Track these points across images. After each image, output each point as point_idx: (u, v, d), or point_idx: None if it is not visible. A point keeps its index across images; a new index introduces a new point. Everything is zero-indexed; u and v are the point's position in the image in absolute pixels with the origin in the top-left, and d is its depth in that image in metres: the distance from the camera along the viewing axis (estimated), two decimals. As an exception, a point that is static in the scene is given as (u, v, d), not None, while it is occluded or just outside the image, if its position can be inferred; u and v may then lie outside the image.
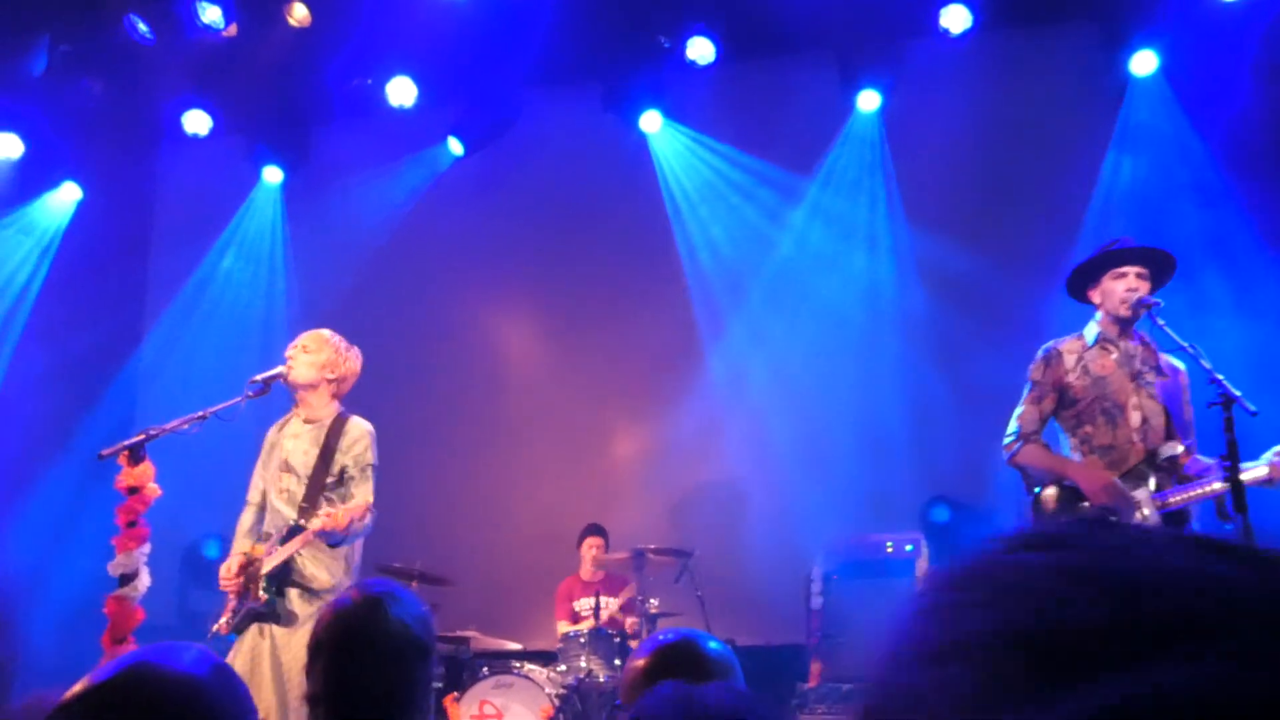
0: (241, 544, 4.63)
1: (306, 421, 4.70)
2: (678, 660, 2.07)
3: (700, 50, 7.32)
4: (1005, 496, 5.81)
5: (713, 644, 2.16)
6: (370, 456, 4.63)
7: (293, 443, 4.66)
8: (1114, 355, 4.37)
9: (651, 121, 7.77)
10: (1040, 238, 6.92)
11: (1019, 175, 7.18)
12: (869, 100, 7.43)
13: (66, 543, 6.79)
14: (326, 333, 4.82)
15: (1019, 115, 7.23)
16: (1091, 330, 4.44)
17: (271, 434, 4.81)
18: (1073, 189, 7.04)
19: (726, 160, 7.84)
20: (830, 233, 7.59)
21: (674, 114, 7.85)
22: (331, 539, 4.37)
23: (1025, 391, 4.46)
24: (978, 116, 7.23)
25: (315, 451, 4.60)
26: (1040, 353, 4.47)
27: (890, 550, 6.35)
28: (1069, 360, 4.39)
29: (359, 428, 4.68)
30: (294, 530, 4.46)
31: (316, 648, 2.25)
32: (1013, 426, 4.43)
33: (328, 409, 4.72)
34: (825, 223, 7.60)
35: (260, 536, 4.61)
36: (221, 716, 1.58)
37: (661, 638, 2.20)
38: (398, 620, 2.22)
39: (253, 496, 4.77)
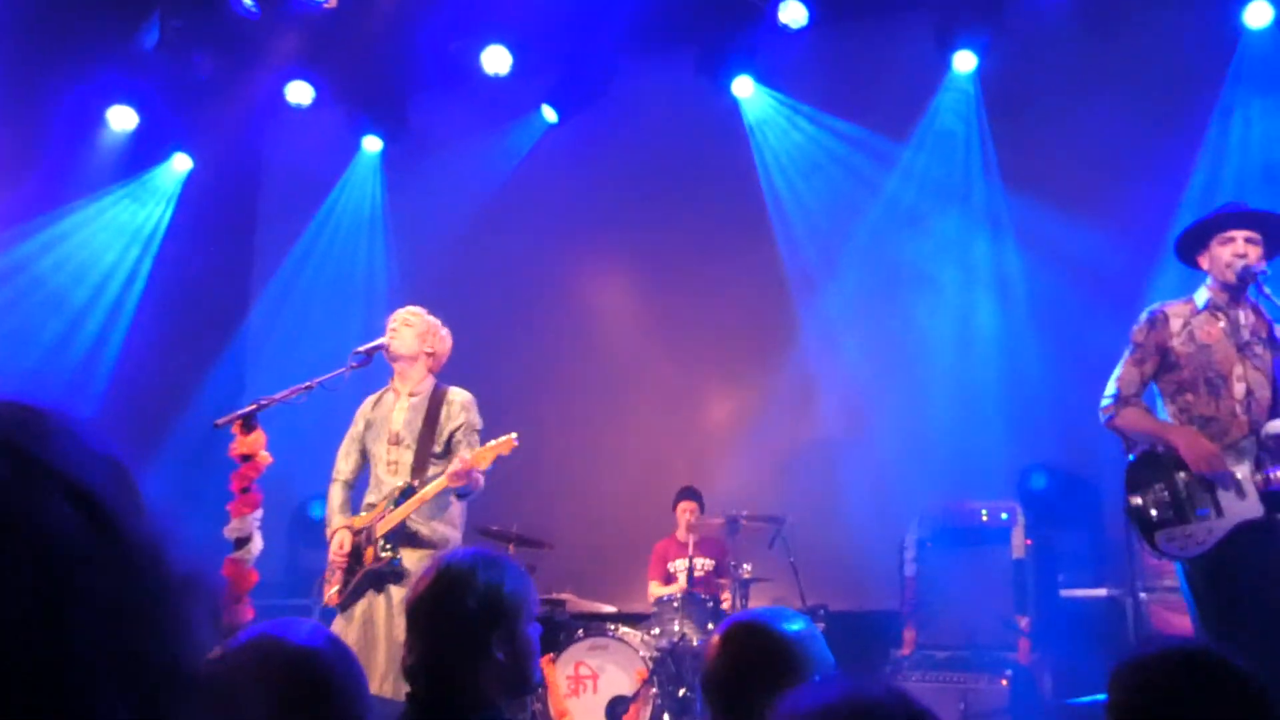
0: (339, 519, 4.80)
1: (410, 395, 4.86)
2: (751, 646, 2.10)
3: (793, 14, 7.22)
4: (1106, 463, 5.71)
5: (793, 625, 2.16)
6: (477, 421, 4.84)
7: (400, 415, 4.83)
8: (1222, 324, 4.22)
9: (744, 86, 7.73)
10: (1143, 199, 6.71)
11: (1122, 135, 6.95)
12: (965, 61, 7.25)
13: (184, 507, 7.12)
14: (422, 310, 5.00)
15: (1123, 72, 6.99)
16: (1202, 295, 4.30)
17: (366, 410, 4.96)
18: (1178, 148, 6.80)
19: (818, 125, 7.77)
20: (924, 197, 7.47)
21: (766, 79, 7.79)
22: (464, 490, 4.58)
23: (1126, 353, 4.34)
24: (1079, 74, 7.03)
25: (420, 421, 4.78)
26: (1145, 314, 4.33)
27: (985, 518, 6.30)
28: (1175, 324, 4.26)
29: (461, 395, 4.87)
30: (406, 492, 4.65)
31: (409, 620, 2.35)
32: (1111, 389, 4.32)
33: (426, 382, 4.89)
34: (919, 187, 7.49)
35: (356, 510, 4.79)
36: (336, 683, 1.73)
37: (733, 619, 2.22)
38: (486, 586, 2.28)
39: (342, 473, 4.91)
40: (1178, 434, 4.15)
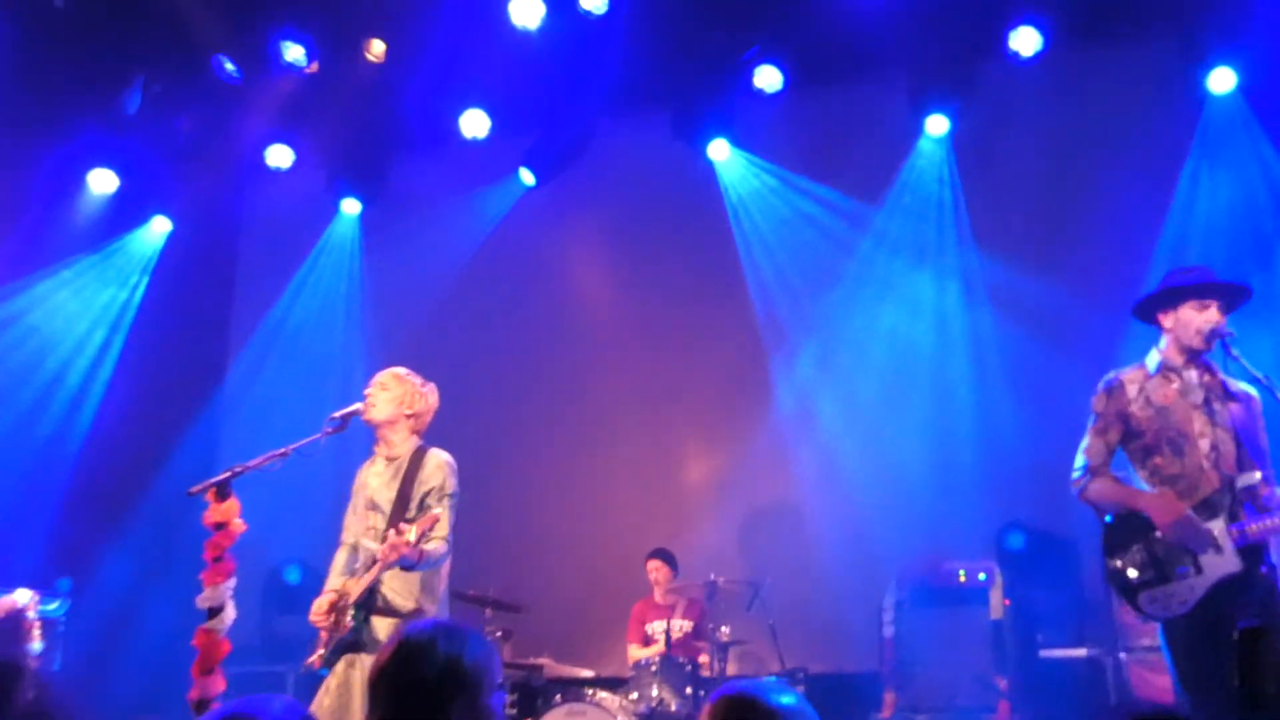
0: (334, 582, 4.76)
1: (388, 459, 4.82)
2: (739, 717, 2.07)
3: (768, 78, 7.37)
4: (1083, 521, 5.73)
5: (783, 699, 2.13)
6: (450, 486, 4.71)
7: (376, 480, 4.79)
8: (1175, 385, 4.29)
9: (719, 149, 7.84)
10: (1113, 260, 6.82)
11: (1091, 198, 7.09)
12: (937, 125, 7.39)
13: (157, 575, 7.03)
14: (403, 371, 4.93)
15: (1091, 136, 7.14)
16: (1154, 358, 4.37)
17: (359, 475, 4.92)
18: (1147, 211, 6.91)
19: (793, 188, 7.87)
20: (898, 260, 7.56)
21: (742, 142, 7.90)
22: (403, 562, 4.44)
23: (1089, 423, 4.40)
24: (1049, 138, 7.17)
25: (396, 486, 4.73)
26: (1102, 384, 4.41)
27: (963, 579, 6.30)
28: (1131, 390, 4.33)
29: (437, 458, 4.76)
30: (375, 561, 4.59)
31: (370, 690, 2.34)
32: (1080, 461, 4.37)
33: (407, 445, 4.82)
34: (892, 250, 7.58)
35: (352, 574, 4.75)
36: None
37: (723, 691, 2.20)
38: (446, 658, 2.28)
39: (345, 537, 4.88)
40: (1146, 500, 4.20)
